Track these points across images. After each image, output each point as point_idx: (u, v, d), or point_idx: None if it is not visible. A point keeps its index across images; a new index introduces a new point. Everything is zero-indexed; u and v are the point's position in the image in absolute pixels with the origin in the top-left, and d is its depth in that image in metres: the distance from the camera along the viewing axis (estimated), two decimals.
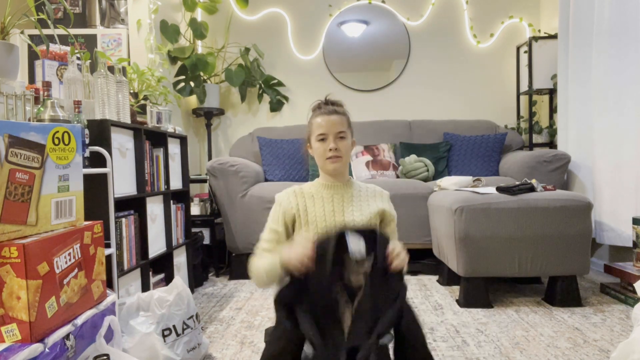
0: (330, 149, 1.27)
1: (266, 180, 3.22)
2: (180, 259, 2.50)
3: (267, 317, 2.15)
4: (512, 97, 3.80)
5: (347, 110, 1.33)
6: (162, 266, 2.34)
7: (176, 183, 2.50)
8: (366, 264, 1.05)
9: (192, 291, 2.62)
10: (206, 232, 3.07)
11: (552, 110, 3.58)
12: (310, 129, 1.31)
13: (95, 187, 1.66)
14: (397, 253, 1.06)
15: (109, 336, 1.29)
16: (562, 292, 2.19)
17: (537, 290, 2.47)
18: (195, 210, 3.08)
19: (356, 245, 1.04)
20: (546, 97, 3.70)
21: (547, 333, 1.85)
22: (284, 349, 1.07)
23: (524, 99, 3.75)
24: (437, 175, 3.24)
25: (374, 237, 1.07)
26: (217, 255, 3.11)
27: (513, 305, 2.23)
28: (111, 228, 1.68)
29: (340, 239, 1.05)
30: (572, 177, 3.04)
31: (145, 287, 2.03)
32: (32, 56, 2.54)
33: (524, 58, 3.62)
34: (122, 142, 1.89)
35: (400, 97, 3.85)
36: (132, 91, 2.35)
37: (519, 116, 3.73)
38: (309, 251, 1.04)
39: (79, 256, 1.22)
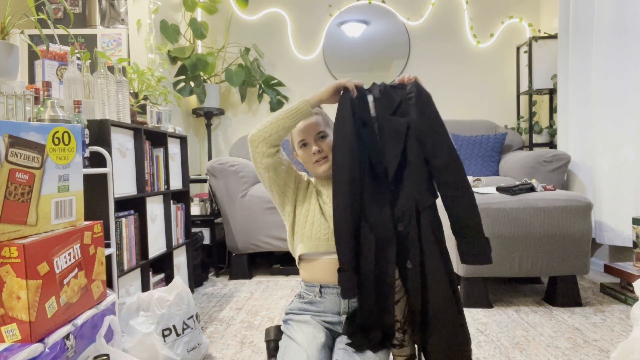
0: (314, 153, 1.26)
1: None
2: (180, 259, 2.50)
3: (267, 317, 2.15)
4: (512, 97, 3.80)
5: (321, 109, 1.32)
6: (162, 266, 2.34)
7: (176, 183, 2.50)
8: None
9: (192, 291, 2.62)
10: (206, 232, 3.07)
11: (552, 110, 3.58)
12: (291, 138, 1.31)
13: (95, 187, 1.66)
14: (404, 76, 1.21)
15: (109, 336, 1.29)
16: (562, 292, 2.19)
17: (537, 290, 2.47)
18: (195, 210, 3.08)
19: (371, 105, 1.22)
20: (546, 97, 3.70)
21: (547, 333, 1.86)
22: None
23: (524, 99, 3.75)
24: None
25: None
26: (217, 255, 3.11)
27: (513, 305, 2.23)
28: (111, 228, 1.68)
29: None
30: (572, 177, 3.04)
31: (145, 287, 2.03)
32: (32, 56, 2.54)
33: (524, 58, 3.62)
34: (122, 142, 1.89)
35: None
36: (132, 91, 2.35)
37: (519, 116, 3.73)
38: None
39: (79, 256, 1.22)
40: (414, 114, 1.17)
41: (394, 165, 1.16)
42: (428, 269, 1.14)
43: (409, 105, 1.19)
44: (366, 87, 1.27)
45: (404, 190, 1.16)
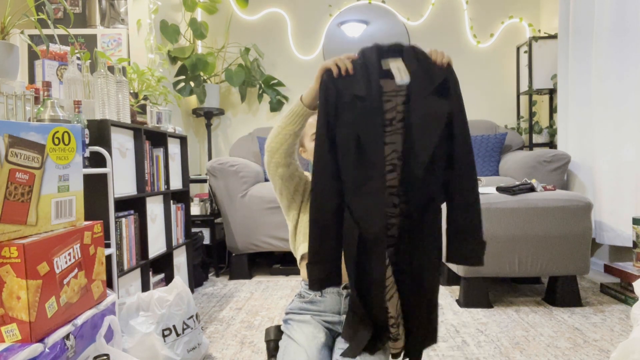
0: None
1: (266, 180, 3.22)
2: (180, 259, 2.50)
3: (267, 317, 2.15)
4: (512, 97, 3.80)
5: None
6: (162, 266, 2.34)
7: (176, 183, 2.50)
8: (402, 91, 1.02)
9: (192, 291, 2.62)
10: (206, 232, 3.07)
11: (552, 110, 3.58)
12: (303, 131, 1.29)
13: (95, 187, 1.66)
14: (437, 51, 1.03)
15: (109, 336, 1.29)
16: (562, 292, 2.19)
17: (537, 290, 2.47)
18: (195, 210, 3.08)
19: (398, 71, 0.99)
20: (546, 97, 3.70)
21: (547, 333, 1.86)
22: None
23: (524, 99, 3.75)
24: None
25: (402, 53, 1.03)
26: (217, 255, 3.11)
27: (513, 305, 2.23)
28: (111, 228, 1.68)
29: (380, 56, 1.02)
30: (572, 177, 3.04)
31: (145, 287, 2.03)
32: (32, 56, 2.54)
33: (524, 58, 3.62)
34: (122, 142, 1.89)
35: None
36: (132, 91, 2.35)
37: (519, 116, 3.73)
38: (350, 55, 1.03)
39: (79, 256, 1.22)
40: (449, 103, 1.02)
41: (424, 156, 0.99)
42: (425, 270, 1.10)
43: (446, 92, 1.02)
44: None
45: (423, 187, 1.02)
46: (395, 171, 1.05)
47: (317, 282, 1.07)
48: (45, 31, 1.72)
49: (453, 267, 2.29)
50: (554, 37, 3.41)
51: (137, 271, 1.99)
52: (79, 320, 1.19)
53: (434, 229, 1.08)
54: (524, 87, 3.60)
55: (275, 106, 3.83)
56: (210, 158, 3.75)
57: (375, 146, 0.99)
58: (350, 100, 1.00)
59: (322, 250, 1.06)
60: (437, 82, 1.01)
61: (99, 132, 1.72)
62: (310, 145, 1.27)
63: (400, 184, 1.05)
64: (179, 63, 3.52)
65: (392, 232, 1.09)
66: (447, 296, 2.40)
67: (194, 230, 2.93)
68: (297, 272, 3.01)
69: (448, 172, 1.07)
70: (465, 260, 1.12)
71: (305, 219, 1.26)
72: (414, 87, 1.00)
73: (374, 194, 1.01)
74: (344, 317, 1.23)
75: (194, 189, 3.69)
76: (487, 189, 2.37)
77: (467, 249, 1.11)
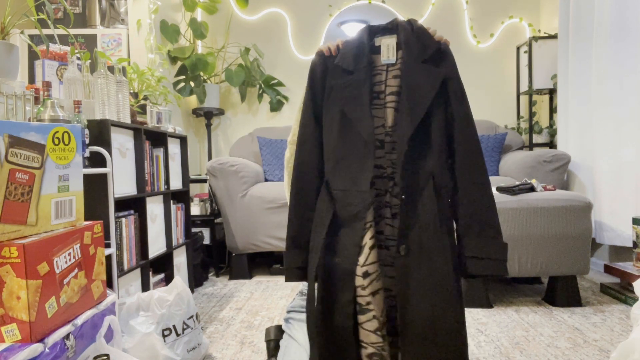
0: None
1: (266, 180, 3.22)
2: (180, 259, 2.50)
3: (267, 317, 2.15)
4: (512, 97, 3.80)
5: None
6: (162, 266, 2.34)
7: (176, 183, 2.50)
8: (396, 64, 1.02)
9: (192, 291, 2.62)
10: (206, 232, 3.07)
11: (552, 110, 3.58)
12: None
13: (95, 187, 1.66)
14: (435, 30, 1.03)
15: (109, 336, 1.29)
16: (562, 292, 2.19)
17: (537, 290, 2.47)
18: (195, 210, 3.08)
19: (387, 49, 1.01)
20: (546, 97, 3.70)
21: (547, 333, 1.86)
22: None
23: (524, 99, 3.75)
24: None
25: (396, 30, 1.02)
26: (217, 255, 3.11)
27: (513, 305, 2.23)
28: (111, 228, 1.68)
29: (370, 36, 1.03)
30: (572, 177, 3.04)
31: (145, 287, 2.03)
32: (32, 56, 2.54)
33: (524, 58, 3.62)
34: (122, 142, 1.89)
35: None
36: (132, 91, 2.35)
37: (519, 116, 3.73)
38: (337, 42, 1.04)
39: (79, 256, 1.22)
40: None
41: (415, 119, 0.93)
42: (430, 257, 0.93)
43: (440, 62, 0.99)
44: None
45: (416, 162, 0.94)
46: (383, 148, 1.00)
47: (294, 272, 0.98)
48: (45, 31, 1.73)
49: None
50: (554, 37, 3.41)
51: (137, 271, 1.99)
52: (79, 320, 1.19)
53: (434, 210, 0.94)
54: (524, 87, 3.60)
55: (275, 106, 3.83)
56: (210, 158, 3.75)
57: (361, 116, 0.96)
58: (340, 76, 1.01)
59: (301, 234, 0.99)
60: (430, 51, 0.99)
61: (99, 132, 1.72)
62: None
63: (390, 160, 0.98)
64: (179, 63, 3.52)
65: (383, 214, 0.98)
66: None
67: (194, 230, 2.93)
68: None
69: (449, 153, 1.00)
70: (480, 266, 0.96)
71: None
72: (407, 56, 0.99)
73: (359, 165, 0.94)
74: None
75: (194, 189, 3.69)
76: None
77: (482, 250, 0.95)
